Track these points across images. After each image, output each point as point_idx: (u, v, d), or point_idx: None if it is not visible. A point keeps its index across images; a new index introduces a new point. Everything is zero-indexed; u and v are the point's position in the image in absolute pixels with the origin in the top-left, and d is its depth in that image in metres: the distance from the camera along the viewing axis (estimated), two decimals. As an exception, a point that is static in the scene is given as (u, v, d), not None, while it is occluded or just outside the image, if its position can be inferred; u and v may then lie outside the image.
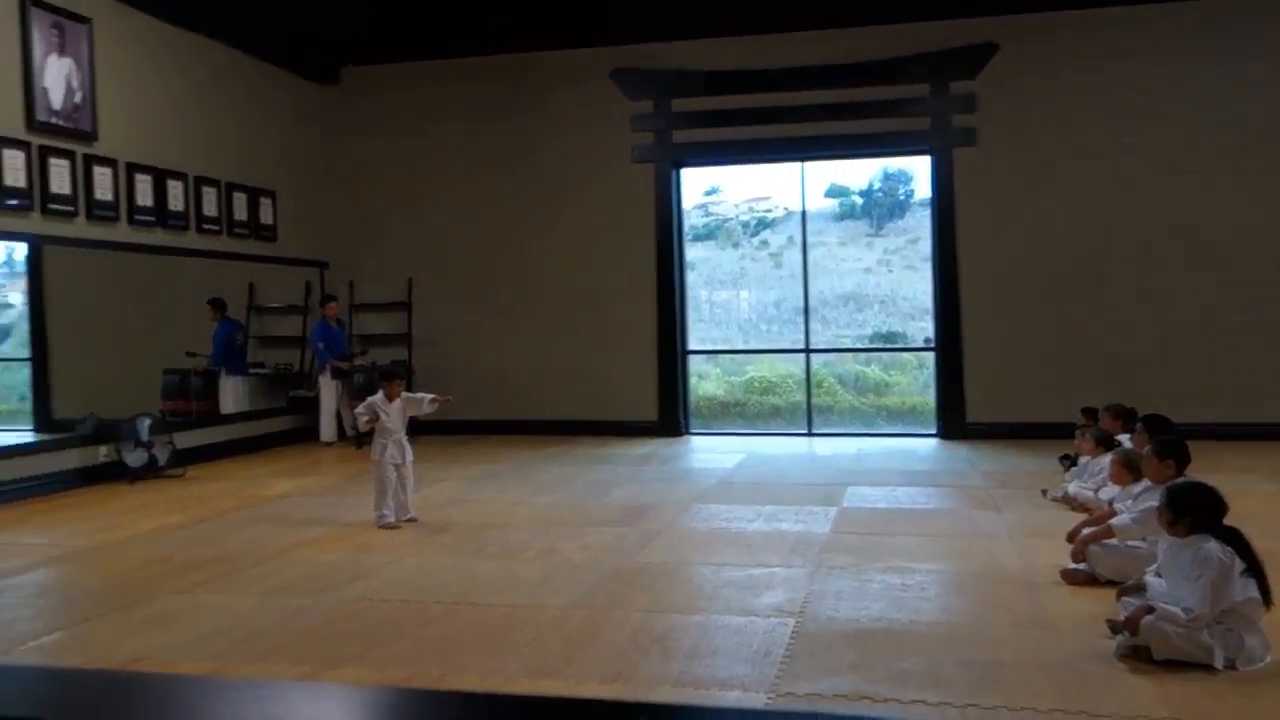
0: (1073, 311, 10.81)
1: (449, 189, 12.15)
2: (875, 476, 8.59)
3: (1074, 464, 7.69)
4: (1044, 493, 7.45)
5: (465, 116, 12.08)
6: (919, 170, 11.81)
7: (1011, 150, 10.92)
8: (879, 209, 12.22)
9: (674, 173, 11.68)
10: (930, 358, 11.52)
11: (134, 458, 8.99)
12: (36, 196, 8.39)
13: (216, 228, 10.48)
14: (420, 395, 7.16)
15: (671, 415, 11.62)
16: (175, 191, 9.89)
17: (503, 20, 11.32)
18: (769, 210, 12.53)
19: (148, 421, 9.18)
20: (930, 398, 11.55)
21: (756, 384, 12.28)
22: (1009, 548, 5.99)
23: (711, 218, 12.63)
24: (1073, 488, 7.15)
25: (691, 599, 5.05)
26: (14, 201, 8.16)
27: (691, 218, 12.06)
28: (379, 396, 6.95)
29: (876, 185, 12.23)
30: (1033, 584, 5.18)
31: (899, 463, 9.40)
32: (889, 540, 6.19)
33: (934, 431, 11.24)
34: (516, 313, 12.03)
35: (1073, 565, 5.25)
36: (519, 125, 11.95)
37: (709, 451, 10.51)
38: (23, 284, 9.96)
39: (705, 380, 12.34)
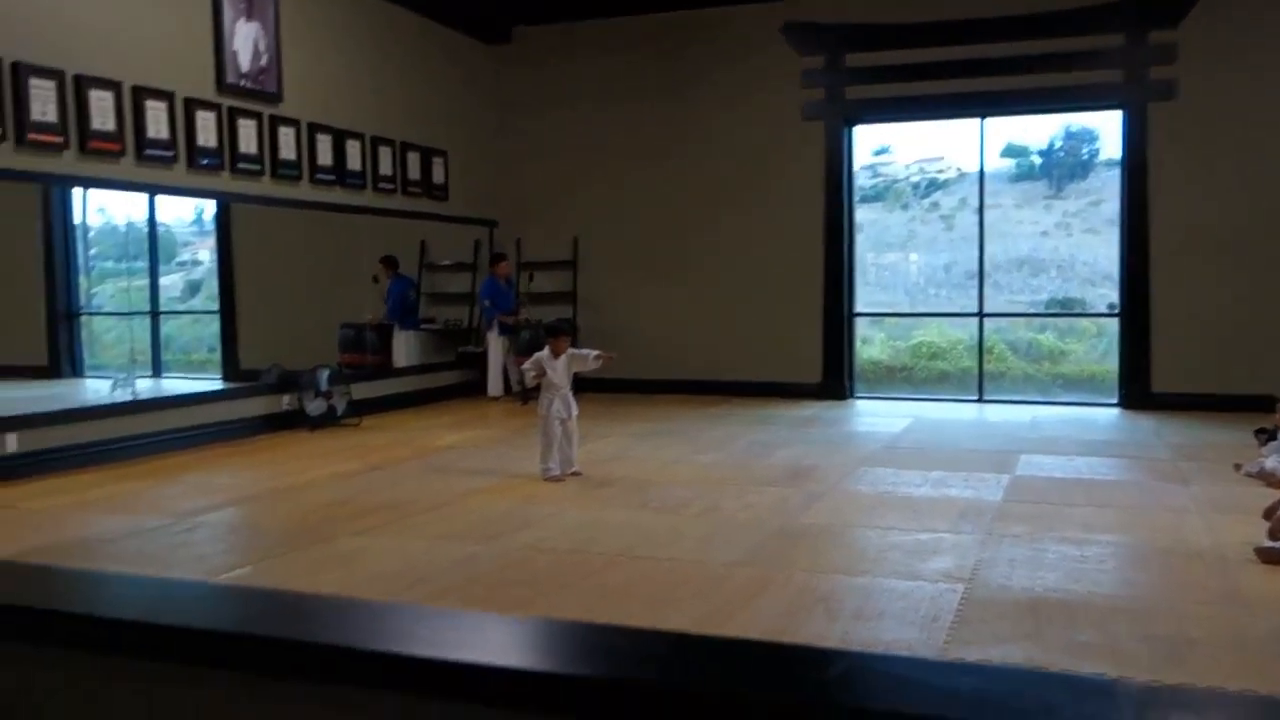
0: (1272, 278, 10.20)
1: (615, 148, 12.23)
2: (1051, 445, 8.33)
3: (1272, 438, 7.28)
4: (1237, 467, 7.07)
5: (632, 74, 12.12)
6: (1105, 128, 11.30)
7: (1215, 104, 10.30)
8: (1059, 169, 11.76)
9: (845, 131, 11.48)
10: (1111, 324, 11.06)
11: (314, 407, 9.41)
12: (226, 156, 8.80)
13: (391, 186, 10.83)
14: (585, 351, 7.27)
15: (836, 378, 11.50)
16: (353, 151, 10.25)
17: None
18: (940, 171, 12.21)
19: (326, 373, 9.58)
20: (1110, 366, 11.11)
21: (924, 349, 12.05)
22: (1197, 523, 5.74)
23: (880, 179, 12.38)
24: (1270, 462, 6.75)
25: (856, 561, 5.01)
26: (206, 161, 8.58)
27: (859, 179, 11.85)
28: (545, 352, 7.08)
29: (1058, 144, 11.76)
30: (1224, 560, 4.95)
31: (1077, 431, 9.09)
32: (1066, 510, 6.00)
33: (1115, 401, 10.81)
34: (680, 273, 12.06)
35: (1269, 543, 4.99)
36: (687, 82, 11.93)
37: (874, 415, 10.39)
38: (212, 241, 10.52)
39: (869, 345, 12.16)
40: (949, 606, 4.30)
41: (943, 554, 5.10)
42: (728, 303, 11.89)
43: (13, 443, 7.14)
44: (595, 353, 7.20)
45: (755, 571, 4.81)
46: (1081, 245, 11.69)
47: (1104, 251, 11.31)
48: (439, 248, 12.20)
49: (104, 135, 7.72)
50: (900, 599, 4.41)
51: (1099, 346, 11.53)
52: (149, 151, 8.09)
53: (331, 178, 9.97)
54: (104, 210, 9.33)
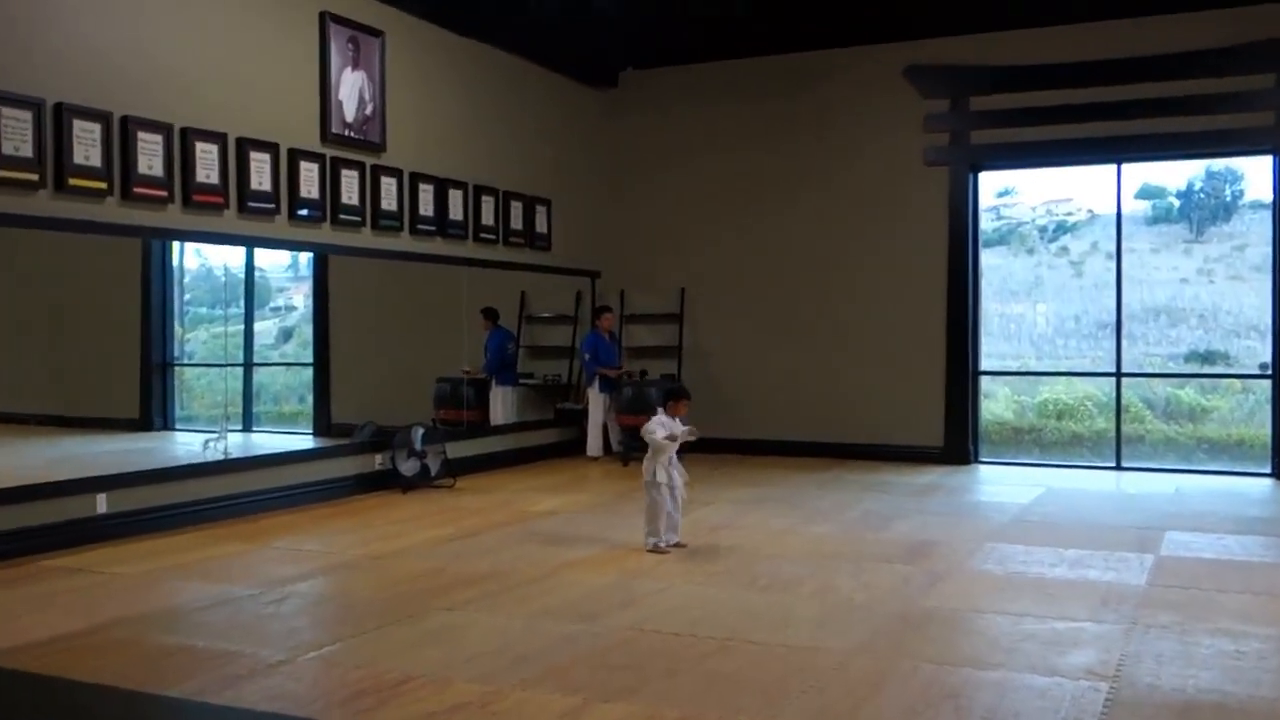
0: None
1: (725, 196, 12.23)
2: (1198, 520, 8.01)
3: None
4: None
5: (745, 119, 12.12)
6: (1250, 168, 10.94)
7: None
8: (1200, 212, 11.42)
9: (970, 176, 11.30)
10: (1260, 384, 10.62)
11: (408, 466, 9.48)
12: (328, 207, 8.98)
13: (493, 236, 10.94)
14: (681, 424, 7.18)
15: (959, 441, 11.24)
16: (455, 200, 10.39)
17: (788, 19, 11.28)
18: (1069, 214, 12.00)
19: (421, 431, 9.65)
20: (1261, 429, 10.65)
21: (1050, 407, 11.74)
22: (1369, 616, 5.40)
23: (1004, 221, 12.18)
24: None
25: (987, 652, 4.82)
26: (305, 212, 8.77)
27: (981, 222, 11.65)
28: (663, 416, 6.98)
29: (1198, 185, 11.42)
30: (1403, 662, 4.64)
31: (1226, 505, 8.73)
32: (1218, 597, 5.72)
33: (1268, 470, 10.36)
34: (791, 326, 11.97)
35: None
36: (802, 128, 11.89)
37: (1000, 483, 10.13)
38: (307, 286, 10.73)
39: (993, 400, 11.90)
40: (1092, 708, 4.09)
41: (1083, 646, 4.88)
42: (840, 358, 11.74)
43: (103, 504, 7.30)
44: (689, 428, 7.09)
45: (875, 662, 4.66)
46: (1225, 293, 11.30)
47: (1250, 300, 10.92)
48: (540, 299, 12.28)
49: (208, 188, 7.93)
50: (1038, 698, 4.21)
51: (1245, 404, 11.08)
52: (251, 204, 8.29)
53: (432, 228, 10.12)
54: (200, 252, 9.58)
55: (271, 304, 10.86)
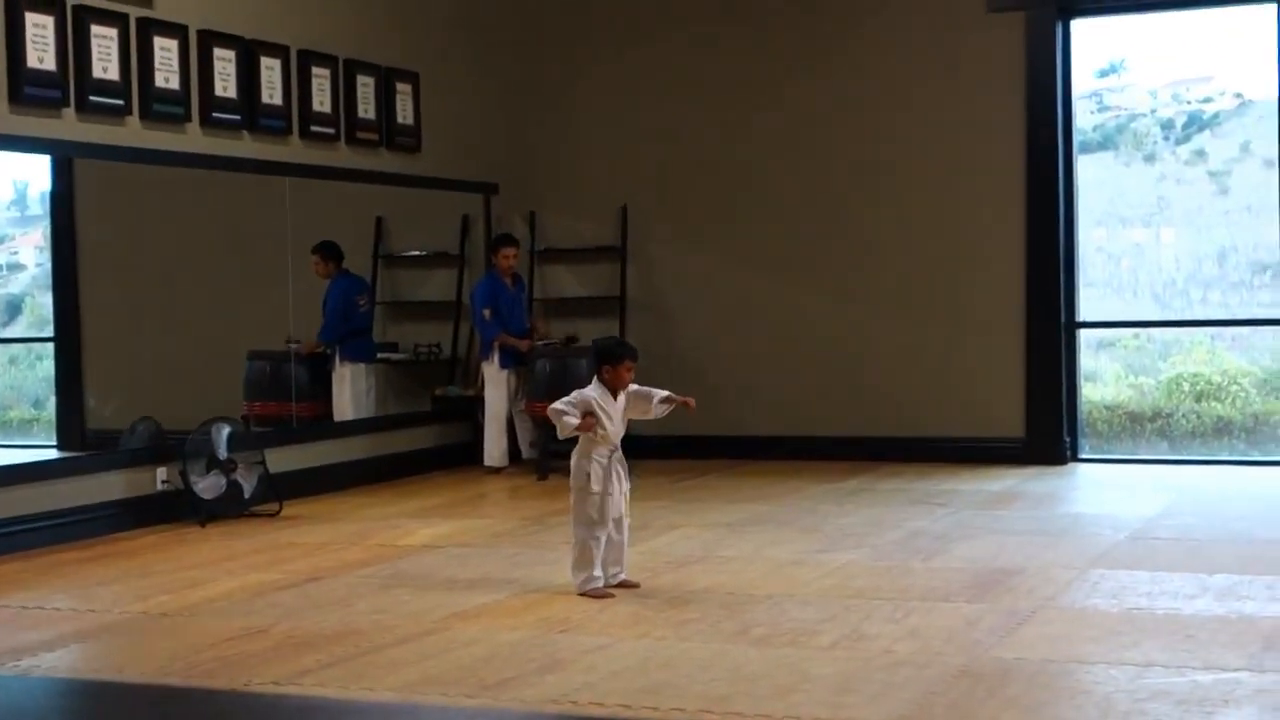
0: None
1: (693, 66, 12.25)
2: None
3: None
4: None
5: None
6: None
7: None
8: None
9: (1059, 28, 11.41)
10: None
11: (207, 485, 9.44)
12: (70, 84, 8.89)
13: (331, 130, 10.90)
14: (648, 390, 7.22)
15: (1048, 430, 11.37)
16: (270, 74, 10.34)
17: None
18: (1208, 100, 12.19)
19: (226, 431, 9.61)
20: None
21: (1185, 385, 11.92)
22: None
23: (1109, 113, 12.36)
24: None
25: (1095, 718, 4.92)
26: (38, 90, 8.67)
27: (1078, 112, 11.76)
28: (594, 388, 7.03)
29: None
30: None
31: None
32: None
33: None
34: (792, 266, 12.05)
35: None
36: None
37: (1111, 488, 10.35)
38: (41, 234, 10.63)
39: (1098, 381, 12.05)
40: (1252, 790, 4.20)
41: (1238, 705, 4.99)
42: (868, 312, 11.84)
43: None
44: (664, 394, 7.13)
45: (928, 737, 4.75)
46: None
47: None
48: (405, 229, 12.27)
49: None
50: (1171, 779, 4.32)
51: None
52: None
53: (236, 117, 10.05)
54: None
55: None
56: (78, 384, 10.41)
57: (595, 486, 6.93)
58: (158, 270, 10.80)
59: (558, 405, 7.00)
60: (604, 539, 6.96)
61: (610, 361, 7.10)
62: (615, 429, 7.00)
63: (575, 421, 6.93)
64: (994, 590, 6.89)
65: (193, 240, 10.94)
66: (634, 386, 7.15)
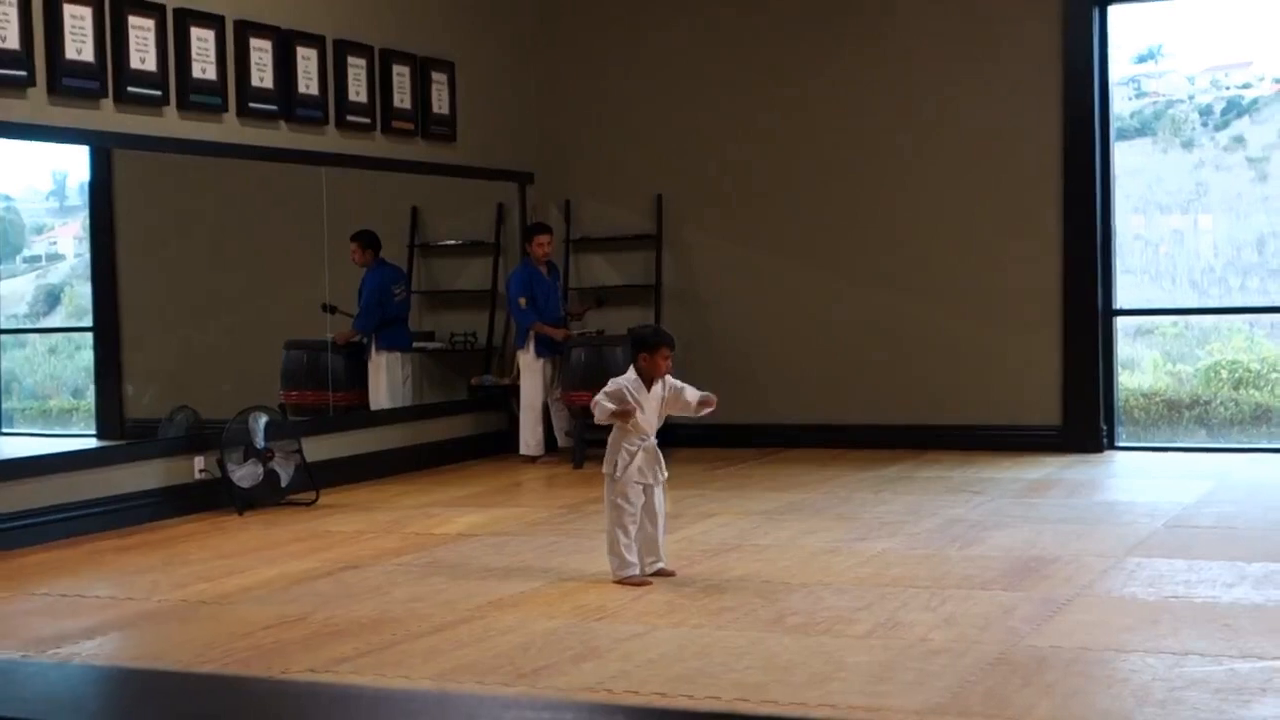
0: None
1: (727, 57, 12.25)
2: None
3: None
4: None
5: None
6: None
7: None
8: None
9: (1096, 11, 11.37)
10: None
11: (245, 474, 9.49)
12: (108, 74, 8.95)
13: (367, 119, 10.93)
14: (685, 387, 7.22)
15: (1086, 418, 11.35)
16: (307, 64, 10.37)
17: None
18: (1248, 85, 12.13)
19: (264, 420, 9.65)
20: None
21: (1223, 372, 11.89)
22: None
23: (1147, 99, 12.32)
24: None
25: (1132, 706, 4.94)
26: (76, 81, 8.72)
27: (1116, 99, 11.72)
28: (630, 376, 7.04)
29: None
30: None
31: None
32: None
33: None
34: (831, 254, 12.05)
35: None
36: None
37: (1148, 476, 10.34)
38: (80, 224, 10.69)
39: (1135, 369, 12.04)
40: (1290, 780, 4.19)
41: (1277, 694, 5.01)
42: (905, 300, 11.82)
43: None
44: (701, 394, 7.13)
45: (964, 726, 4.75)
46: None
47: None
48: (442, 218, 12.29)
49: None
50: (1208, 768, 4.31)
51: None
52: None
53: (273, 107, 10.10)
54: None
55: (26, 252, 10.82)
56: (116, 373, 10.47)
57: (619, 474, 6.97)
58: (195, 260, 10.86)
59: (599, 398, 7.02)
60: (633, 528, 6.98)
61: (646, 349, 7.11)
62: (648, 420, 7.01)
63: (612, 407, 6.95)
64: (1030, 578, 6.92)
65: (230, 230, 11.01)
66: (673, 381, 7.15)
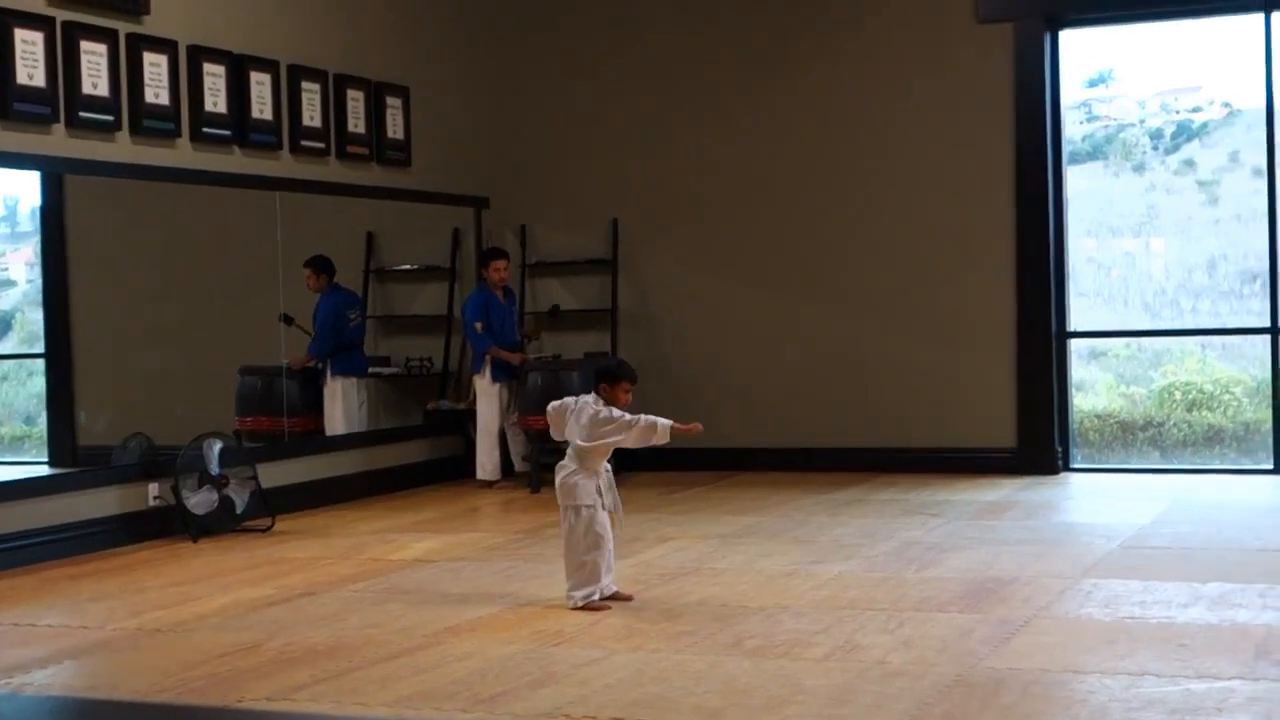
0: None
1: (684, 80, 12.30)
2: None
3: None
4: None
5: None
6: None
7: None
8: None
9: (1047, 38, 11.45)
10: None
11: (199, 501, 9.45)
12: (60, 102, 8.91)
13: (321, 144, 10.92)
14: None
15: (1040, 440, 11.41)
16: (260, 89, 10.34)
17: None
18: (1197, 109, 12.21)
19: (218, 446, 9.62)
20: None
21: (1176, 394, 11.95)
22: None
23: (1099, 123, 12.39)
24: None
25: (1088, 729, 4.93)
26: (28, 106, 8.69)
27: (1067, 123, 11.80)
28: (593, 398, 7.02)
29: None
30: None
31: None
32: None
33: None
34: (787, 278, 12.08)
35: None
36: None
37: (1103, 497, 10.41)
38: (32, 250, 10.62)
39: (1089, 391, 12.10)
40: (1247, 799, 4.21)
41: (1232, 714, 5.00)
42: (860, 324, 11.87)
43: None
44: (664, 422, 7.03)
45: (923, 747, 4.75)
46: None
47: None
48: (397, 243, 12.26)
49: None
50: (1165, 788, 4.33)
51: None
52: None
53: (226, 131, 10.07)
54: None
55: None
56: (69, 400, 10.40)
57: (596, 502, 6.96)
58: (149, 286, 10.79)
59: (635, 417, 6.93)
60: (603, 551, 6.98)
61: (608, 380, 7.09)
62: (609, 442, 7.01)
63: (670, 422, 6.91)
64: (987, 600, 6.94)
65: (183, 256, 10.95)
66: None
